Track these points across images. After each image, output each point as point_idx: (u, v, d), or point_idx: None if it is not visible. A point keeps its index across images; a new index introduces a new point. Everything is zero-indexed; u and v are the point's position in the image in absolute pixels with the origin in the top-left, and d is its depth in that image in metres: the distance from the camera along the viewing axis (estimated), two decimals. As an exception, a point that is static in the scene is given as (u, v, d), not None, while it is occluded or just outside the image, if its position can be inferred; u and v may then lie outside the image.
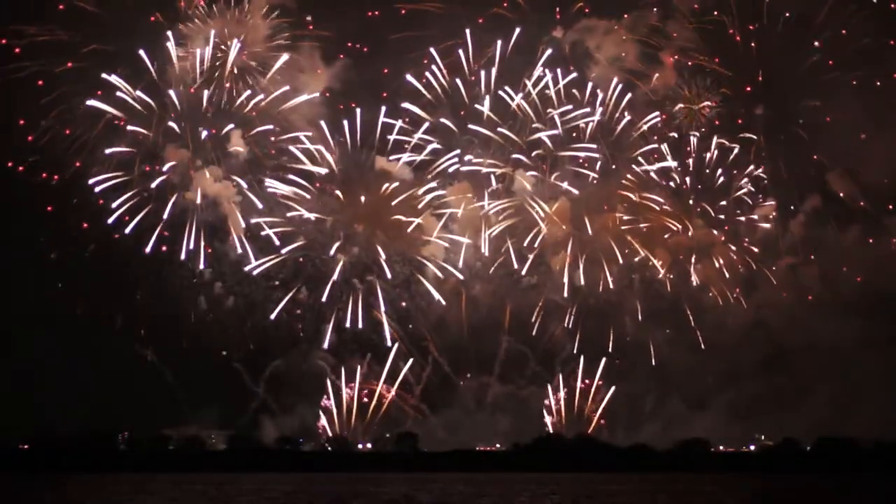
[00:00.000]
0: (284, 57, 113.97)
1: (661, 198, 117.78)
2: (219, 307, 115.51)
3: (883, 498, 79.17)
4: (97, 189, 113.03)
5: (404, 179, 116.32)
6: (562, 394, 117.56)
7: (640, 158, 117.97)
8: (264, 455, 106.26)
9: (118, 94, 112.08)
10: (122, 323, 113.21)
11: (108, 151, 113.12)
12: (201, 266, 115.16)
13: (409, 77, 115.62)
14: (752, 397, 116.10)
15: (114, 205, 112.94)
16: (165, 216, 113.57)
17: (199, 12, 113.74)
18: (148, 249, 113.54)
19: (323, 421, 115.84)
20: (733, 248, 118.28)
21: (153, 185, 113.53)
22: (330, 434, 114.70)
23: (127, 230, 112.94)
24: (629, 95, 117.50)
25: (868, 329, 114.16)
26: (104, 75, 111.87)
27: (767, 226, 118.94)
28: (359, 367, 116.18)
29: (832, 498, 78.66)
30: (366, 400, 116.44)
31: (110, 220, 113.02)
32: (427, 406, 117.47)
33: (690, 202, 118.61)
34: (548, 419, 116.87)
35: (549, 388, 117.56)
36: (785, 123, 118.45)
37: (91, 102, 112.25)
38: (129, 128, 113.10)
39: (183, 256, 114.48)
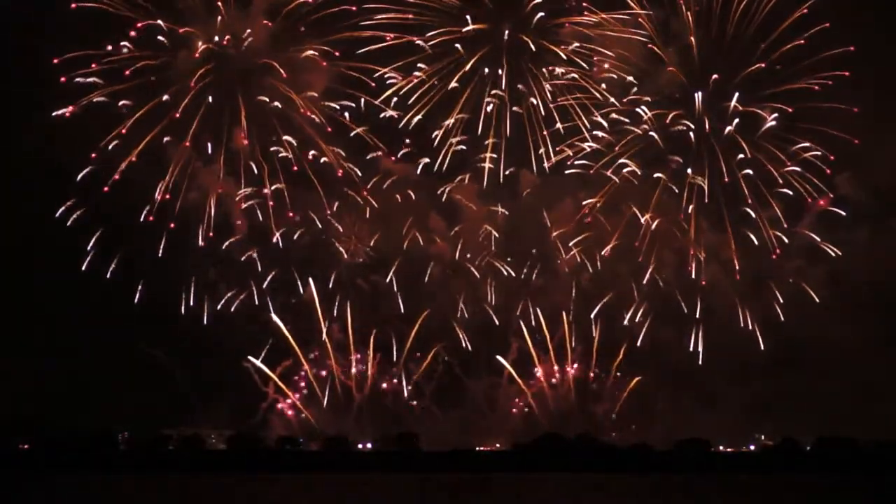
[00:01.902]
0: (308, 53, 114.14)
1: (668, 199, 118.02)
2: (225, 307, 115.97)
3: (883, 498, 79.21)
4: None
5: (410, 179, 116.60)
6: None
7: (644, 158, 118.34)
8: (265, 455, 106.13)
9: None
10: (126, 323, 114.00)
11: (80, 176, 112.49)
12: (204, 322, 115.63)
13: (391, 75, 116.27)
14: (760, 397, 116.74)
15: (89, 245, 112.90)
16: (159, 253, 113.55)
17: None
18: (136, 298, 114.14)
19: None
20: (742, 249, 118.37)
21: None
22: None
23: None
24: (635, 93, 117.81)
25: (876, 330, 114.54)
26: (80, 79, 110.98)
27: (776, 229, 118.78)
28: (369, 368, 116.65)
29: (832, 498, 78.89)
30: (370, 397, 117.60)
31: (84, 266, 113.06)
32: (436, 406, 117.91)
33: (693, 205, 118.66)
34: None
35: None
36: (792, 124, 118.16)
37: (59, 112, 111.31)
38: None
39: (182, 310, 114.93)
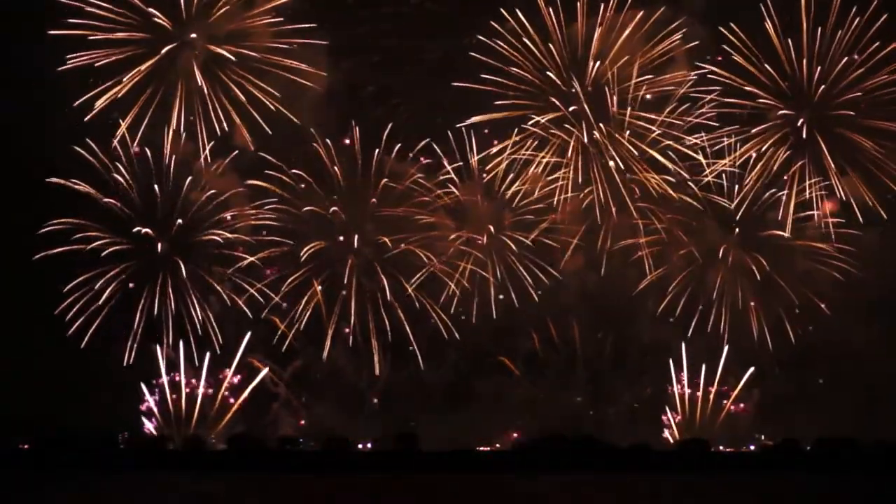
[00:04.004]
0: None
1: (676, 200, 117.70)
2: (231, 307, 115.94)
3: (883, 498, 78.96)
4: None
5: (415, 178, 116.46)
6: None
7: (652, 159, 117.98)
8: (265, 455, 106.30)
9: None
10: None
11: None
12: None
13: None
14: (767, 398, 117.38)
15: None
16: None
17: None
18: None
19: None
20: (749, 250, 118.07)
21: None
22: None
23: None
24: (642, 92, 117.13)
25: (885, 332, 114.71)
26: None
27: (784, 234, 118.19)
28: (377, 368, 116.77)
29: (832, 498, 78.67)
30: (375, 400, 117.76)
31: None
32: (444, 407, 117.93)
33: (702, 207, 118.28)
34: None
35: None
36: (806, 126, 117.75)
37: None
38: None
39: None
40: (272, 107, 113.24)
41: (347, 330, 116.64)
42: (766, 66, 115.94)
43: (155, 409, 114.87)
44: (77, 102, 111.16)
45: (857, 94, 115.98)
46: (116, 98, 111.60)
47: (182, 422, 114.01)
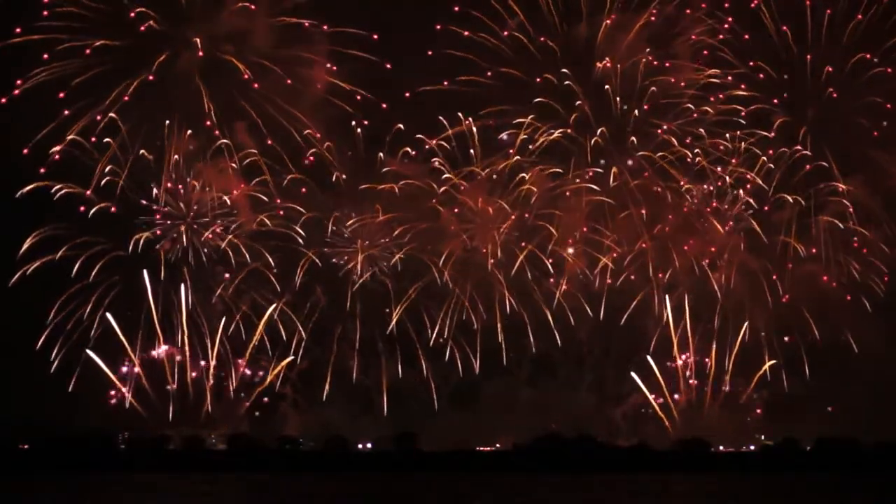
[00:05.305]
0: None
1: (682, 199, 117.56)
2: (235, 310, 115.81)
3: (883, 498, 78.86)
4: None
5: (418, 178, 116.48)
6: None
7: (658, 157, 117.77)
8: (264, 455, 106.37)
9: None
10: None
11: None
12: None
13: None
14: (771, 398, 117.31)
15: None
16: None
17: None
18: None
19: None
20: (754, 250, 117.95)
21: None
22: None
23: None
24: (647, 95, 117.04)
25: (886, 332, 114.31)
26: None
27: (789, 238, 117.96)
28: (383, 368, 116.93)
29: (832, 498, 78.59)
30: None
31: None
32: (450, 408, 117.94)
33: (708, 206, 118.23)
34: None
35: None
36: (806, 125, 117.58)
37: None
38: None
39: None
40: (273, 111, 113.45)
41: (353, 332, 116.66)
42: (767, 66, 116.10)
43: (128, 397, 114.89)
44: (37, 138, 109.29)
45: (872, 98, 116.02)
46: (94, 127, 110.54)
47: (189, 422, 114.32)
